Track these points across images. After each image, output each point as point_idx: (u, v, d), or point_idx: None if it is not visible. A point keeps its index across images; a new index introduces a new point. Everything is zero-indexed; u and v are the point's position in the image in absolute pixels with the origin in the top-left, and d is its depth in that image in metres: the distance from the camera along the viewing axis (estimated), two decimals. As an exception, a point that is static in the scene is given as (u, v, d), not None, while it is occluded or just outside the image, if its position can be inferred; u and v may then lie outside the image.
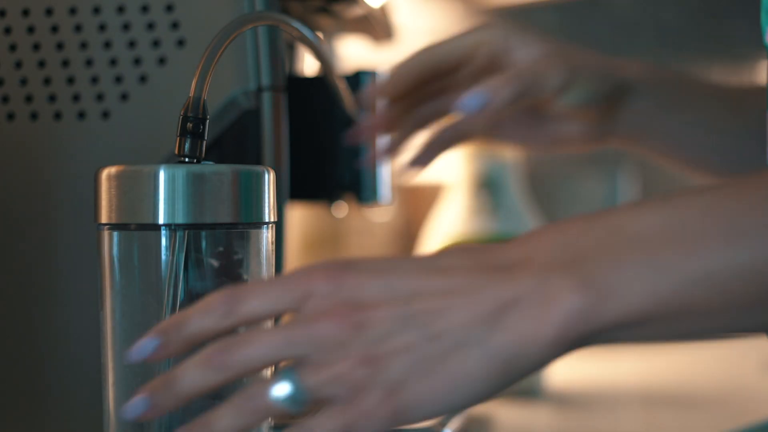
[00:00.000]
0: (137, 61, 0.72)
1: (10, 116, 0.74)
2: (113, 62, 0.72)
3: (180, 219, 0.53)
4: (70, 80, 0.73)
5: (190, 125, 0.56)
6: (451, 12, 1.83)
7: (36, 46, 0.73)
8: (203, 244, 0.54)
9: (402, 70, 0.68)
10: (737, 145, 0.73)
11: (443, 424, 0.74)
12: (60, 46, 0.73)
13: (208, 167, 0.55)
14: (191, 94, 0.56)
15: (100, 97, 0.72)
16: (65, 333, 0.73)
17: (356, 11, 0.78)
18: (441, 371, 0.44)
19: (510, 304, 0.44)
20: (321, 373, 0.45)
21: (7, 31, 0.74)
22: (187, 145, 0.56)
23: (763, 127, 0.67)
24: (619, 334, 0.45)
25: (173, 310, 0.54)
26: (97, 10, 0.72)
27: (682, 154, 0.74)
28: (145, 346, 0.47)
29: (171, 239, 0.54)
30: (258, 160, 0.70)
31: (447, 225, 1.01)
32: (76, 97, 0.73)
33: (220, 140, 0.71)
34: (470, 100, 0.60)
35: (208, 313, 0.47)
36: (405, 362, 0.44)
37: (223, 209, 0.54)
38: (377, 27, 0.86)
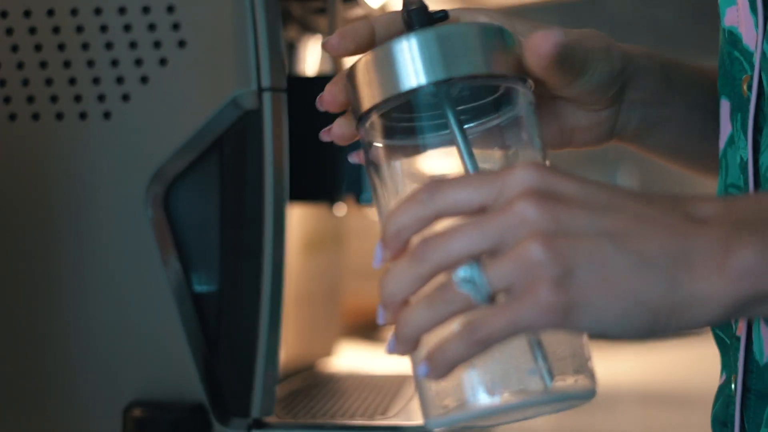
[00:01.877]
0: (138, 62, 0.72)
1: (12, 117, 0.74)
2: (114, 63, 0.72)
3: (441, 75, 0.50)
4: (72, 81, 0.73)
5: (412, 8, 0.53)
6: (450, 12, 1.83)
7: (38, 47, 0.73)
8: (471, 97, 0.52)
9: None
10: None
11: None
12: (62, 47, 0.73)
13: (451, 27, 0.52)
14: None
15: (101, 98, 0.73)
16: (66, 330, 0.74)
17: (356, 12, 0.78)
18: (619, 285, 0.44)
19: (697, 249, 0.45)
20: (502, 259, 0.44)
21: (9, 32, 0.74)
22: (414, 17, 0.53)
23: None
24: None
25: (473, 163, 0.51)
26: (98, 11, 0.73)
27: (683, 150, 0.72)
28: (377, 253, 0.49)
29: (444, 95, 0.51)
30: (259, 160, 0.70)
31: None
32: (77, 98, 0.73)
33: (222, 140, 0.72)
34: (544, 41, 0.53)
35: (412, 203, 0.47)
36: (587, 260, 0.44)
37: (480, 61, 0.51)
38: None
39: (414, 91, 0.51)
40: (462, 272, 0.45)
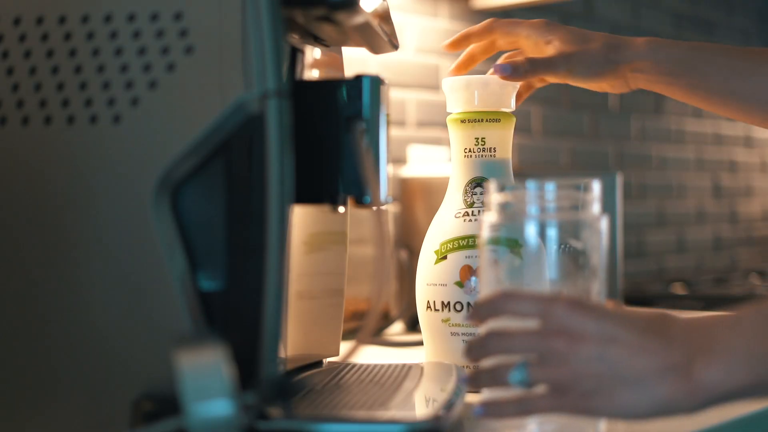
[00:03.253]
0: (147, 68, 0.74)
1: (25, 120, 0.76)
2: (124, 68, 0.74)
3: None
4: (83, 86, 0.75)
5: None
6: (444, 15, 1.84)
7: (50, 53, 0.75)
8: None
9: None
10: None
11: (444, 413, 0.76)
12: (73, 53, 0.75)
13: None
14: None
15: (111, 102, 0.74)
16: (77, 328, 0.75)
17: (358, 19, 0.79)
18: (617, 396, 0.68)
19: (670, 370, 0.68)
20: (543, 371, 0.70)
21: (22, 38, 0.76)
22: None
23: None
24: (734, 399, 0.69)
25: None
26: (108, 18, 0.74)
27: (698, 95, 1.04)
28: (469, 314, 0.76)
29: None
30: (263, 165, 0.72)
31: (446, 226, 1.03)
32: (88, 102, 0.75)
33: (227, 143, 0.73)
34: (502, 68, 0.97)
35: (492, 301, 0.73)
36: (597, 384, 0.69)
37: None
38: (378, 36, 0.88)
39: None
40: (515, 375, 0.71)
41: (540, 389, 0.70)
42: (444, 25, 1.81)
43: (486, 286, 0.77)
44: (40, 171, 0.76)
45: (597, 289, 0.75)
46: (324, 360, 1.00)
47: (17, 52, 0.76)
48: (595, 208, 0.76)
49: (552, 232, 0.74)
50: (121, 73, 0.74)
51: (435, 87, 1.79)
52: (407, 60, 1.75)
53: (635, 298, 1.85)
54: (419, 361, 0.99)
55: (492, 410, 0.71)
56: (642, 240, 2.38)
